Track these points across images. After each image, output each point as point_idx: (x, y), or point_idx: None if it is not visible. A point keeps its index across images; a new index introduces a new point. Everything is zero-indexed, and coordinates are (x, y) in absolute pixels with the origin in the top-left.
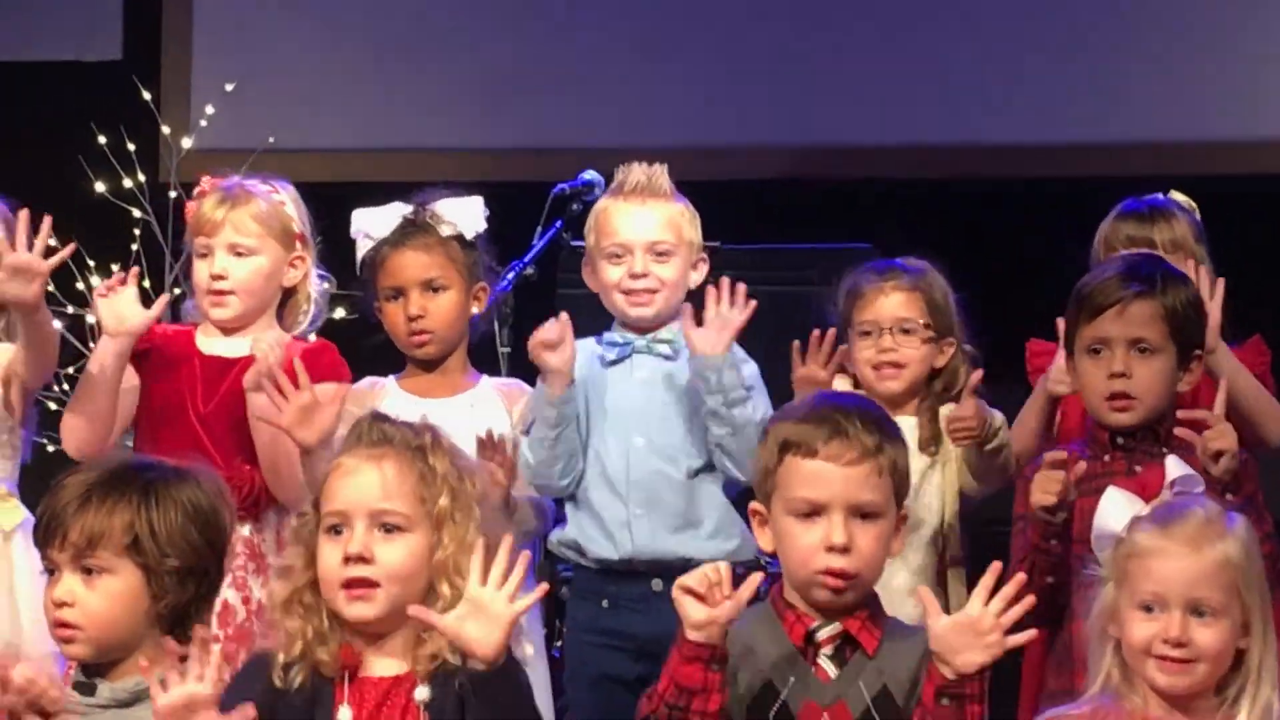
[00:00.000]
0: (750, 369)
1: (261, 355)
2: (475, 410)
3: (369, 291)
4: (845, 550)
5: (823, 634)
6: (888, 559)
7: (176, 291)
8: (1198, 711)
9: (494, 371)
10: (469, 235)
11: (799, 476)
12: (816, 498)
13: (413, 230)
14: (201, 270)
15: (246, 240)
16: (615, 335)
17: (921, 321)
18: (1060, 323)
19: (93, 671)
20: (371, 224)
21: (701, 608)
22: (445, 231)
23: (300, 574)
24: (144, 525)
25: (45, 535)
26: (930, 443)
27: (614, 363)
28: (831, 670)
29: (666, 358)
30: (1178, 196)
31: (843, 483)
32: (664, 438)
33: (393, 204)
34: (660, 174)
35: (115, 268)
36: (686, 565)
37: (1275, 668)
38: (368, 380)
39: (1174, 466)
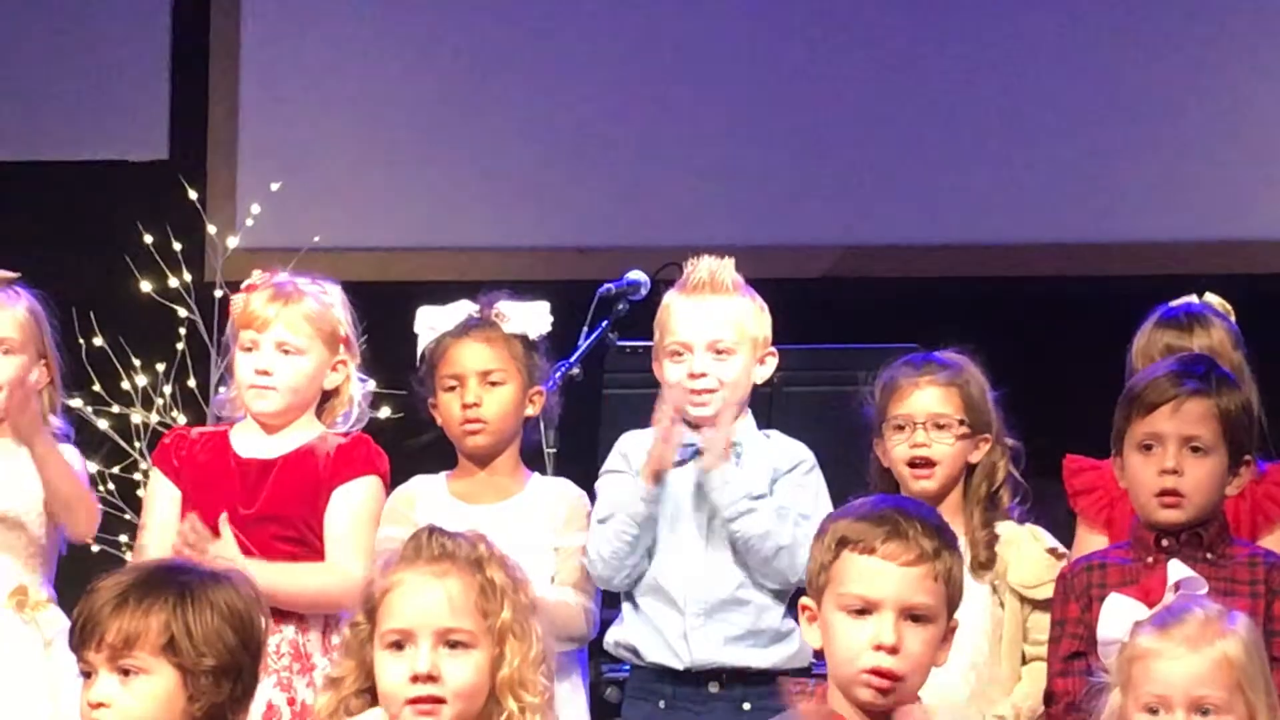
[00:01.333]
0: (794, 477)
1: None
2: (517, 514)
3: (426, 386)
4: (894, 651)
5: None
6: (934, 668)
7: (221, 390)
8: None
9: (540, 470)
10: (532, 335)
11: (854, 572)
12: (870, 595)
13: (476, 324)
14: (246, 364)
15: (296, 340)
16: None
17: (956, 417)
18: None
19: None
20: (436, 319)
21: None
22: (508, 329)
23: (350, 686)
24: (180, 626)
25: (81, 637)
26: (985, 566)
27: (678, 463)
28: None
29: None
30: (1213, 299)
31: (898, 583)
32: (719, 548)
33: (459, 302)
34: (724, 269)
35: (160, 367)
36: (746, 671)
37: None
38: (417, 480)
39: (1176, 569)
